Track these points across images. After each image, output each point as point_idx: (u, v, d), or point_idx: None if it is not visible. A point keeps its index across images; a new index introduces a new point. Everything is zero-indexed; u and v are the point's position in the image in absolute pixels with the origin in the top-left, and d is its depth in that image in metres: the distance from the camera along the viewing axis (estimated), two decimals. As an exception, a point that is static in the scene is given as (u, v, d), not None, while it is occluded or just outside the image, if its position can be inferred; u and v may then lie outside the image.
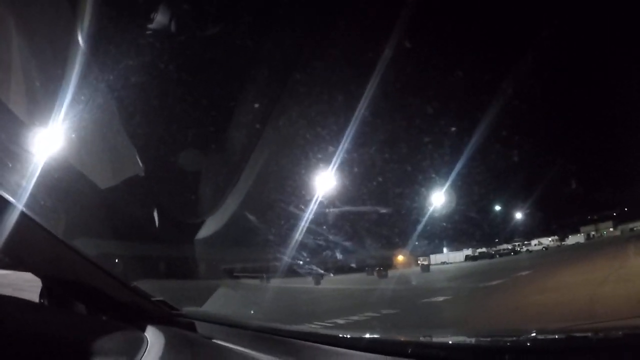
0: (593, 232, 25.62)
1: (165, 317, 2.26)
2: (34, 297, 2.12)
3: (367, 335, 1.94)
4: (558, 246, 22.76)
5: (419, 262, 22.67)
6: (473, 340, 1.77)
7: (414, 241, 16.92)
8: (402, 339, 1.89)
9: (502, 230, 22.11)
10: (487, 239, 22.42)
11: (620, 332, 1.52)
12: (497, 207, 22.08)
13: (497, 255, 22.22)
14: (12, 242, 1.75)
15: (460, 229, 19.82)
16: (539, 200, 19.89)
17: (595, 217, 25.83)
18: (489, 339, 1.76)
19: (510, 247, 22.75)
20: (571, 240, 23.31)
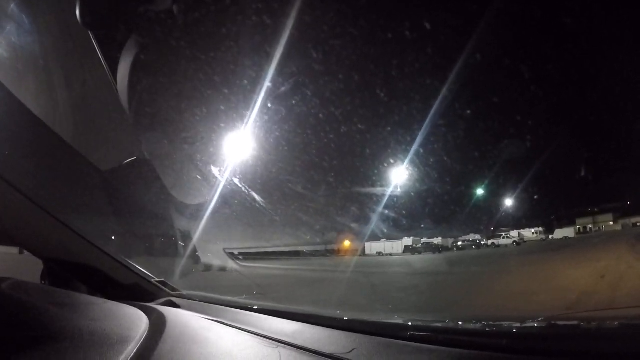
0: (590, 226, 24.27)
1: (166, 298, 2.28)
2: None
3: (365, 318, 2.01)
4: (542, 240, 21.91)
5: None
6: (471, 325, 1.81)
7: (358, 225, 15.52)
8: (401, 322, 1.95)
9: (470, 217, 19.72)
10: (449, 227, 19.99)
11: (615, 322, 1.59)
12: (469, 190, 19.48)
13: (455, 249, 20.63)
14: (11, 223, 1.80)
15: (411, 212, 17.81)
16: (526, 184, 17.72)
17: (596, 209, 24.17)
18: (485, 324, 1.79)
19: (471, 239, 21.03)
20: (558, 234, 22.37)
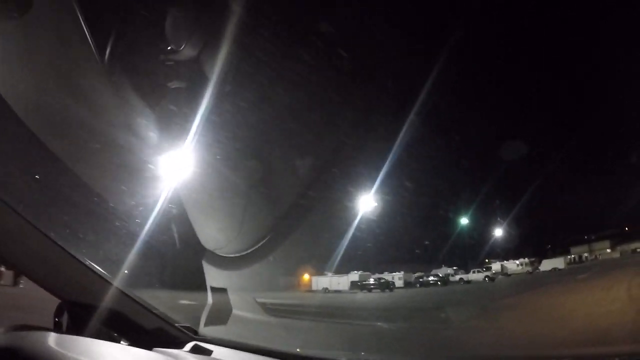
0: (586, 254, 22.92)
1: (192, 343, 2.32)
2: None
3: None
4: (528, 273, 20.99)
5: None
6: None
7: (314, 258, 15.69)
8: None
9: (446, 248, 18.87)
10: (418, 259, 19.15)
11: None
12: (445, 218, 19.06)
13: (418, 285, 19.70)
14: (30, 262, 1.83)
15: (375, 244, 17.14)
16: (514, 211, 17.28)
17: (592, 236, 22.76)
18: None
19: (441, 274, 19.72)
20: (546, 265, 21.24)
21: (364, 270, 19.36)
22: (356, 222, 14.33)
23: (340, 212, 14.36)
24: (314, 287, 19.14)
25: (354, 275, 18.94)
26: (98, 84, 5.22)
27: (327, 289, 18.99)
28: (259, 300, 10.07)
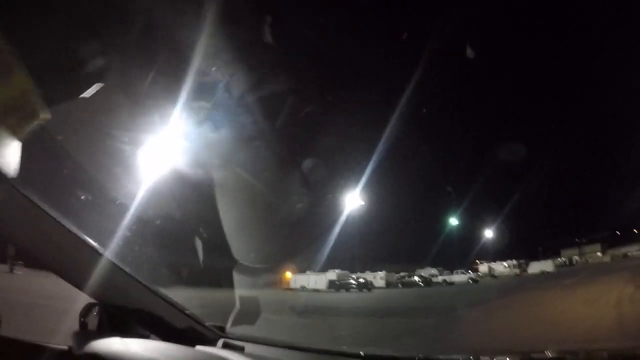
0: (576, 257, 23.53)
1: (222, 340, 2.43)
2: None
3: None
4: (516, 275, 21.25)
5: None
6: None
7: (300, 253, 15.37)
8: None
9: (434, 249, 19.24)
10: (406, 260, 19.63)
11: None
12: (434, 218, 19.53)
13: (399, 285, 19.80)
14: (70, 267, 2.03)
15: (359, 243, 17.58)
16: (506, 212, 17.33)
17: (583, 239, 23.45)
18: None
19: (424, 274, 19.99)
20: (535, 267, 21.38)
21: (348, 270, 19.38)
22: (342, 221, 14.65)
23: (327, 211, 14.63)
24: (292, 285, 19.09)
25: (332, 274, 18.86)
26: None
27: (304, 287, 19.00)
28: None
